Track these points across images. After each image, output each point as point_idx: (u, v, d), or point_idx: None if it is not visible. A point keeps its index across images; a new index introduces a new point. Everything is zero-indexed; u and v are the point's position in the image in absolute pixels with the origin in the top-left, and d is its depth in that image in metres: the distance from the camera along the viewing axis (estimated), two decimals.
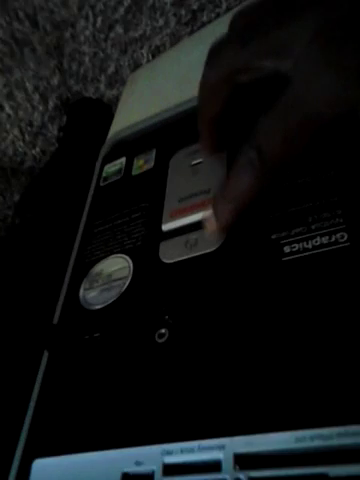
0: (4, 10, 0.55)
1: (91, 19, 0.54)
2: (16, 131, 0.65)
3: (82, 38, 0.56)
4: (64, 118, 0.63)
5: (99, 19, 0.54)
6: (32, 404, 0.26)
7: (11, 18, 0.55)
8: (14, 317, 0.29)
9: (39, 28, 0.56)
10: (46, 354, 0.27)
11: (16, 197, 0.65)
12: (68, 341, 0.27)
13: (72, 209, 0.40)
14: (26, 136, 0.65)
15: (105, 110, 0.60)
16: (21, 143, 0.66)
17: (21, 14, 0.55)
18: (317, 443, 0.17)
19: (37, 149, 0.66)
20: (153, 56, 0.55)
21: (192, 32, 0.52)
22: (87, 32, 0.55)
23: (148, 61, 0.55)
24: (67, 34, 0.56)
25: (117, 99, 0.59)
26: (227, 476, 0.18)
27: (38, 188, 0.57)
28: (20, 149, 0.66)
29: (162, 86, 0.48)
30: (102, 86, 0.59)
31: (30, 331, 0.27)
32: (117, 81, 0.58)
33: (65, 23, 0.55)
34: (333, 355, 0.19)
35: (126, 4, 0.52)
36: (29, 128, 0.65)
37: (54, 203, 0.51)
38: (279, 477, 0.17)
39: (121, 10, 0.52)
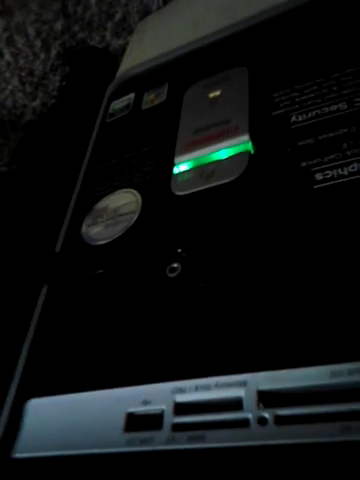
0: None
1: None
2: (16, 81, 0.62)
3: None
4: (67, 68, 0.60)
5: None
6: (28, 340, 0.23)
7: None
8: (12, 252, 0.27)
9: None
10: (45, 288, 0.25)
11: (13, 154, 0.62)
12: (69, 276, 0.24)
13: (74, 150, 0.37)
14: (27, 87, 0.62)
15: (111, 61, 0.57)
16: (21, 94, 0.63)
17: None
18: (357, 378, 0.15)
19: (38, 101, 0.63)
20: (164, 3, 0.51)
21: None
22: None
23: (158, 8, 0.52)
24: None
25: (123, 49, 0.55)
26: (249, 415, 0.16)
27: (36, 135, 0.54)
28: (20, 101, 0.63)
29: (174, 31, 0.45)
30: (108, 34, 0.56)
31: (29, 263, 0.25)
32: (124, 29, 0.55)
33: None
34: None
35: None
36: (30, 78, 0.61)
37: (54, 147, 0.48)
38: (311, 415, 0.15)
39: None
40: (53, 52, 0.58)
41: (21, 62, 0.60)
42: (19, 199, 0.40)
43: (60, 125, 0.52)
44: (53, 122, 0.54)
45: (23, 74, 0.61)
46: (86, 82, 0.56)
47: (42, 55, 0.59)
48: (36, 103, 0.63)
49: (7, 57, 0.60)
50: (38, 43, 0.58)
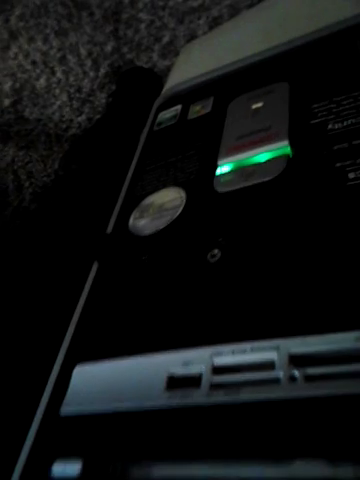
0: None
1: None
2: (64, 97, 0.66)
3: (140, 5, 0.56)
4: (113, 86, 0.64)
5: None
6: (78, 310, 0.26)
7: None
8: (69, 234, 0.29)
9: None
10: (95, 265, 0.27)
11: (56, 166, 0.65)
12: (116, 257, 0.27)
13: (120, 157, 0.40)
14: (74, 102, 0.66)
15: (156, 80, 0.60)
16: (68, 109, 0.67)
17: None
18: None
19: (83, 116, 0.67)
20: (210, 28, 0.55)
21: (251, 5, 0.52)
22: None
23: (204, 33, 0.56)
24: (126, 0, 0.56)
25: (168, 70, 0.59)
26: (280, 373, 0.18)
27: (83, 145, 0.58)
28: (66, 115, 0.67)
29: (218, 53, 0.48)
30: (155, 55, 0.59)
31: (82, 241, 0.27)
32: (171, 52, 0.58)
33: None
34: None
35: None
36: (77, 94, 0.65)
37: (100, 155, 0.51)
38: (337, 374, 0.17)
39: None
40: (102, 71, 0.62)
41: (71, 79, 0.64)
42: (69, 199, 0.43)
43: (106, 136, 0.55)
44: (99, 134, 0.58)
45: (72, 90, 0.65)
46: (132, 99, 0.60)
47: (91, 73, 0.63)
48: (81, 118, 0.67)
49: (58, 74, 0.64)
50: (88, 62, 0.63)
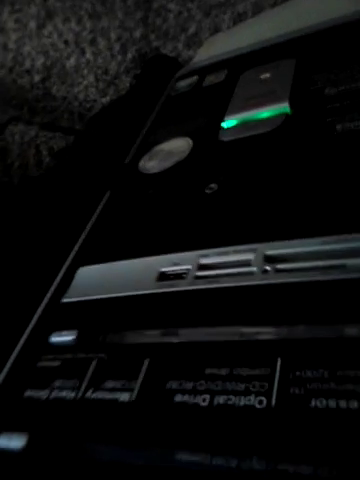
0: None
1: None
2: (92, 77, 0.70)
3: None
4: (138, 71, 0.68)
5: None
6: (88, 226, 0.29)
7: None
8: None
9: None
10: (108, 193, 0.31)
11: None
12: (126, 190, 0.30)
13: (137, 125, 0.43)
14: (100, 84, 0.70)
15: (179, 68, 0.64)
16: (94, 90, 0.71)
17: None
18: (340, 246, 0.20)
19: (107, 98, 0.70)
20: (234, 22, 0.59)
21: (275, 4, 0.56)
22: None
23: (228, 27, 0.59)
24: None
25: (191, 60, 0.63)
26: (255, 268, 0.21)
27: (106, 116, 0.61)
28: (91, 96, 0.71)
29: (238, 45, 0.52)
30: (180, 45, 0.63)
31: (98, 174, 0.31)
32: (195, 43, 0.62)
33: None
34: None
35: None
36: (104, 76, 0.69)
37: (121, 123, 0.54)
38: (301, 268, 0.20)
39: None
40: (129, 56, 0.66)
41: (99, 61, 0.68)
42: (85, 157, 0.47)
43: (129, 109, 0.59)
44: (122, 109, 0.61)
45: (99, 72, 0.69)
46: (154, 83, 0.63)
47: (119, 57, 0.67)
48: (105, 99, 0.70)
49: (88, 55, 0.69)
50: (117, 46, 0.67)
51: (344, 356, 0.16)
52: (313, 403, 0.15)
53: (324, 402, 0.15)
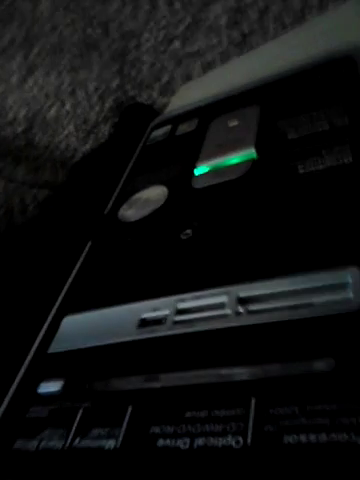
0: (82, 17, 0.63)
1: (154, 33, 0.62)
2: (72, 127, 0.73)
3: (144, 48, 0.63)
4: (116, 119, 0.70)
5: (161, 33, 0.61)
6: (71, 275, 0.30)
7: (86, 25, 0.64)
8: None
9: (109, 36, 0.64)
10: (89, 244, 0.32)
11: None
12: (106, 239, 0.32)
13: (117, 169, 0.45)
14: (80, 133, 0.72)
15: (155, 116, 0.67)
16: (74, 139, 0.73)
17: (95, 22, 0.63)
18: (307, 285, 0.21)
19: (87, 146, 0.73)
20: (204, 71, 0.62)
21: (241, 53, 0.59)
22: (149, 44, 0.63)
23: (199, 75, 0.62)
24: (132, 44, 0.64)
25: (166, 107, 0.66)
26: (229, 310, 0.22)
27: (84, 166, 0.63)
28: (72, 144, 0.73)
29: (209, 92, 0.55)
30: (155, 93, 0.66)
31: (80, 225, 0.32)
32: (168, 90, 0.65)
33: (132, 34, 0.63)
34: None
35: (186, 22, 0.60)
36: (84, 125, 0.72)
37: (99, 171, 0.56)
38: (272, 309, 0.21)
39: (181, 27, 0.60)
40: (107, 105, 0.69)
41: (79, 111, 0.71)
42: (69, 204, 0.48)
43: (108, 158, 0.61)
44: (102, 157, 0.63)
45: (78, 122, 0.72)
46: (131, 131, 0.66)
47: (97, 107, 0.70)
48: (85, 148, 0.73)
49: (68, 106, 0.71)
50: (95, 97, 0.69)
51: (312, 391, 0.17)
52: (286, 439, 0.16)
53: (296, 437, 0.16)
